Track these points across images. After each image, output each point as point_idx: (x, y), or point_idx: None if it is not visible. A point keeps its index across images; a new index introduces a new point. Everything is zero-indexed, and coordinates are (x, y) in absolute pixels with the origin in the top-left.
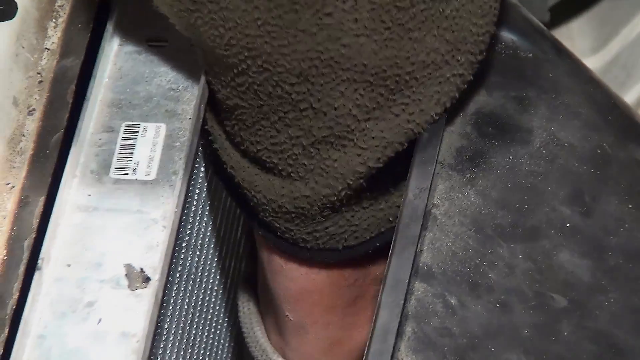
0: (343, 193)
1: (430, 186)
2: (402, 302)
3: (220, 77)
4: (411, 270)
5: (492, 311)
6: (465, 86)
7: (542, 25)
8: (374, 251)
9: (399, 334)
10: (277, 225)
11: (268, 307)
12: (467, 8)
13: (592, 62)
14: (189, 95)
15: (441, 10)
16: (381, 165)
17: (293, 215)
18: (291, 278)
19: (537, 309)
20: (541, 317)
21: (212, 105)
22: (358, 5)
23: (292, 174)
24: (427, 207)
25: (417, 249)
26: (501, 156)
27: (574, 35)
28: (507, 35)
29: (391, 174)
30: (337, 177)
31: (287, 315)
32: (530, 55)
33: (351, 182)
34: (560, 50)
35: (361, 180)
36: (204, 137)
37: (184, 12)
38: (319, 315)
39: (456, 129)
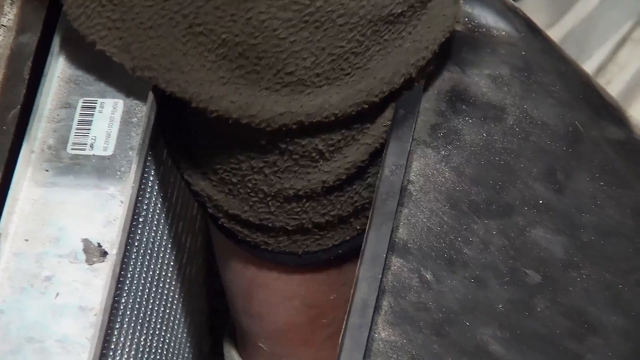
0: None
1: (406, 163)
2: (380, 276)
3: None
4: (388, 246)
5: (467, 286)
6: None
7: (514, 4)
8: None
9: (376, 308)
10: (239, 229)
11: (239, 333)
12: None
13: None
14: None
15: None
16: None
17: (257, 226)
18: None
19: (512, 284)
20: (515, 292)
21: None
22: None
23: (252, 196)
24: (403, 184)
25: (393, 224)
26: (475, 133)
27: (529, 11)
28: (481, 14)
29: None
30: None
31: (260, 346)
32: (504, 33)
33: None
34: (534, 29)
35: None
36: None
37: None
38: (294, 348)
39: (431, 106)
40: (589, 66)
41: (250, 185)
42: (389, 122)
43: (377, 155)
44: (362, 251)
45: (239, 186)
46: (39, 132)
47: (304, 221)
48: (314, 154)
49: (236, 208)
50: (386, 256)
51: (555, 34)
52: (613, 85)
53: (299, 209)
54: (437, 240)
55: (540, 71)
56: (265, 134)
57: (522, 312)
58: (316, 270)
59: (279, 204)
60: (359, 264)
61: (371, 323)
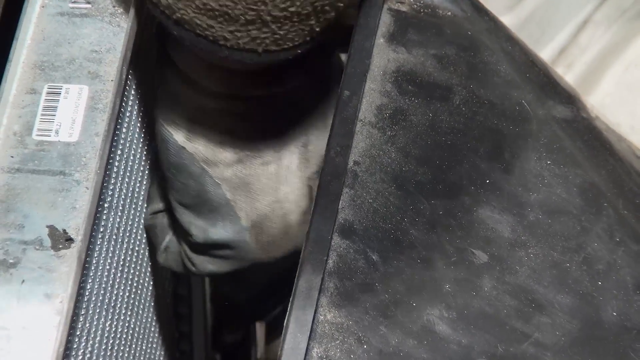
0: None
1: (352, 144)
2: (325, 258)
3: None
4: (333, 227)
5: (413, 267)
6: None
7: None
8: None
9: (321, 290)
10: (198, 23)
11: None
12: None
13: (507, 20)
14: (111, 57)
15: None
16: None
17: (217, 12)
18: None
19: (459, 264)
20: (462, 272)
21: None
22: None
23: None
24: (349, 165)
25: (338, 206)
26: (421, 114)
27: None
28: None
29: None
30: None
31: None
32: (450, 13)
33: None
34: (479, 9)
35: None
36: None
37: None
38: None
39: (376, 87)
40: (551, 48)
41: None
42: None
43: None
44: (307, 233)
45: None
46: (4, 118)
47: (262, 13)
48: None
49: None
50: (331, 238)
51: (516, 16)
52: (575, 67)
53: None
54: (383, 221)
55: (486, 51)
56: None
57: (469, 292)
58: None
59: None
60: (304, 245)
61: (316, 305)
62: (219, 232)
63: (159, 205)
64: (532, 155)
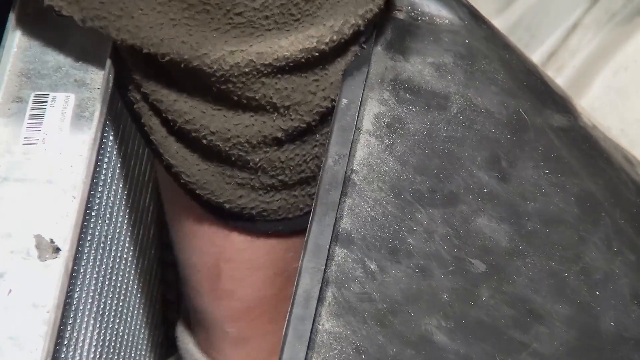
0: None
1: (350, 152)
2: (323, 267)
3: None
4: (331, 236)
5: (411, 276)
6: None
7: None
8: None
9: (320, 300)
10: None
11: (200, 322)
12: None
13: (497, 24)
14: (97, 65)
15: None
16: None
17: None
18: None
19: (456, 273)
20: (460, 282)
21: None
22: None
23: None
24: (347, 173)
25: (337, 214)
26: (419, 122)
27: None
28: (423, 2)
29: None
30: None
31: (227, 331)
32: (447, 21)
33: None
34: (477, 17)
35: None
36: (123, 98)
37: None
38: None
39: (374, 95)
40: (540, 52)
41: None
42: (339, 80)
43: (325, 117)
44: (305, 242)
45: (194, 135)
46: None
47: (251, 182)
48: (267, 107)
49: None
50: (329, 247)
51: (506, 20)
52: (565, 71)
53: (250, 167)
54: (381, 230)
55: (484, 59)
56: (218, 79)
57: (467, 302)
58: (281, 236)
59: (233, 157)
60: (302, 255)
61: (315, 314)
62: None
63: None
64: (530, 165)
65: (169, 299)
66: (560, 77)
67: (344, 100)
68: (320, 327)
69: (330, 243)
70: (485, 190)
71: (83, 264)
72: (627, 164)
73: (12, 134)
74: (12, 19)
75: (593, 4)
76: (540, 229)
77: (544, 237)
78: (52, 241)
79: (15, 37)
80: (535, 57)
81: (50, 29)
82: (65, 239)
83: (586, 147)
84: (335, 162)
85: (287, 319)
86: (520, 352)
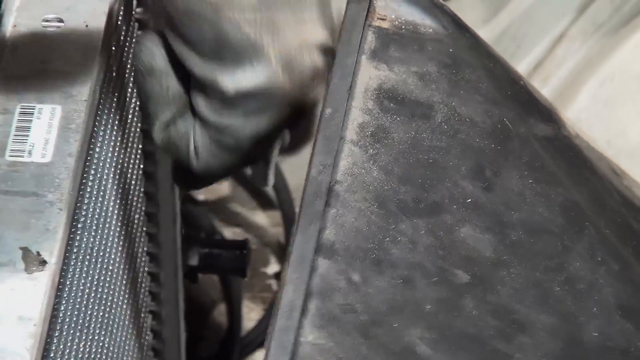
0: None
1: (334, 162)
2: (307, 278)
3: None
4: (315, 247)
5: (395, 287)
6: None
7: (441, 1)
8: None
9: (303, 311)
10: None
11: None
12: None
13: (483, 34)
14: (84, 77)
15: None
16: None
17: None
18: None
19: (440, 284)
20: (444, 292)
21: None
22: None
23: None
24: (331, 184)
25: (320, 225)
26: (403, 131)
27: (464, 7)
28: (407, 11)
29: None
30: None
31: None
32: (431, 30)
33: None
34: (461, 26)
35: None
36: None
37: None
38: None
39: (358, 105)
40: (526, 62)
41: None
42: None
43: None
44: (289, 253)
45: None
46: None
47: None
48: None
49: None
50: (313, 258)
51: (491, 30)
52: (551, 81)
53: None
54: (364, 240)
55: (468, 68)
56: None
57: (451, 312)
58: None
59: None
60: (286, 266)
61: (297, 326)
62: (250, 77)
63: (165, 115)
64: (514, 174)
65: (157, 312)
66: (546, 87)
67: (328, 110)
68: (302, 339)
69: (314, 254)
70: (469, 200)
71: (69, 276)
72: (612, 174)
73: None
74: None
75: (579, 15)
76: (524, 238)
77: (528, 247)
78: (38, 254)
79: (2, 49)
80: (522, 67)
81: (36, 41)
82: (51, 251)
83: (570, 156)
84: (319, 172)
85: (269, 330)
86: None
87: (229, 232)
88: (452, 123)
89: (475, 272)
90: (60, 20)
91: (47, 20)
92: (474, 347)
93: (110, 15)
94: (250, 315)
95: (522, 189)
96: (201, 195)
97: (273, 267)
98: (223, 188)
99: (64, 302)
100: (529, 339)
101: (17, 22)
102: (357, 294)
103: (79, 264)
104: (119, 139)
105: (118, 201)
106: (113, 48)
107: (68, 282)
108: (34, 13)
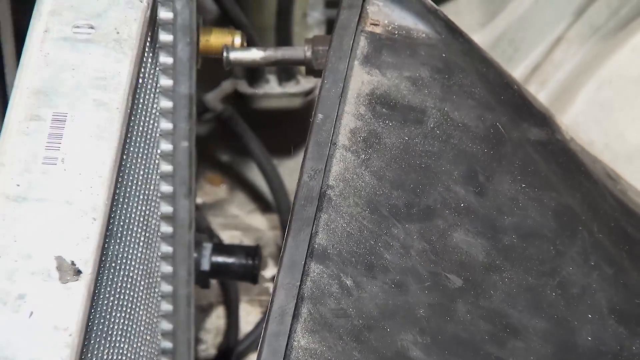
0: None
1: (325, 167)
2: (299, 283)
3: None
4: (307, 252)
5: (387, 292)
6: None
7: (435, 6)
8: None
9: (295, 316)
10: None
11: None
12: None
13: (480, 37)
14: (115, 84)
15: None
16: None
17: None
18: None
19: (433, 289)
20: (436, 297)
21: None
22: None
23: None
24: (322, 189)
25: (312, 230)
26: (395, 137)
27: (462, 11)
28: (400, 16)
29: None
30: None
31: None
32: (424, 35)
33: None
34: (454, 31)
35: None
36: None
37: None
38: None
39: (350, 110)
40: (524, 66)
41: None
42: None
43: None
44: (281, 258)
45: None
46: (9, 145)
47: None
48: None
49: None
50: (305, 263)
51: (489, 33)
52: (548, 85)
53: None
54: (357, 245)
55: (461, 73)
56: None
57: (443, 317)
58: None
59: None
60: (277, 271)
61: (290, 331)
62: None
63: None
64: (507, 179)
65: (166, 315)
66: (543, 91)
67: (320, 116)
68: (295, 343)
69: (306, 259)
70: (462, 205)
71: (97, 284)
72: (607, 178)
73: (32, 153)
74: (30, 37)
75: (577, 18)
76: (517, 243)
77: (520, 251)
78: (73, 263)
79: (33, 55)
80: (519, 70)
81: (67, 48)
82: (86, 261)
83: (564, 160)
84: (310, 178)
85: (262, 335)
86: None
87: (227, 235)
88: (444, 128)
89: (467, 277)
90: (91, 27)
91: (78, 27)
92: (466, 352)
93: (141, 22)
94: (248, 318)
95: (515, 194)
96: (199, 198)
97: (271, 271)
98: (221, 191)
99: (92, 310)
100: (522, 344)
101: (48, 27)
102: (350, 299)
103: (106, 272)
104: (143, 144)
105: (141, 207)
106: (144, 55)
107: (96, 290)
108: (65, 19)
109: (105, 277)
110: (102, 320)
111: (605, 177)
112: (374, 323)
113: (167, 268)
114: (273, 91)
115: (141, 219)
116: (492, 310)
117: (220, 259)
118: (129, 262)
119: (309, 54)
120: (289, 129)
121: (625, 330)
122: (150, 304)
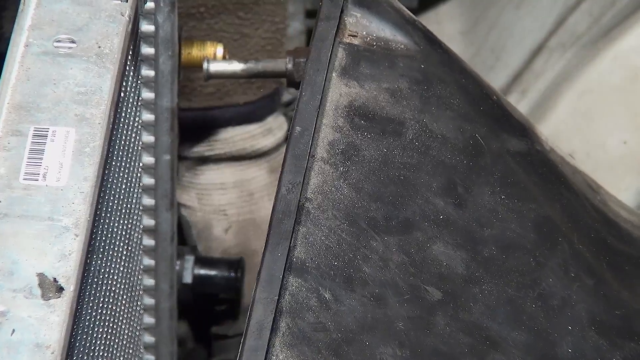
0: None
1: (303, 180)
2: (277, 297)
3: None
4: (285, 266)
5: (366, 305)
6: None
7: (413, 16)
8: None
9: (273, 330)
10: None
11: None
12: None
13: (461, 46)
14: (97, 99)
15: None
16: None
17: None
18: None
19: (412, 302)
20: (416, 310)
21: None
22: None
23: None
24: (300, 202)
25: (290, 244)
26: (374, 149)
27: (443, 20)
28: (379, 27)
29: None
30: None
31: None
32: (403, 47)
33: None
34: (433, 42)
35: None
36: None
37: None
38: None
39: (328, 122)
40: (505, 75)
41: None
42: None
43: None
44: (258, 272)
45: None
46: None
47: None
48: None
49: None
50: (283, 276)
51: (470, 42)
52: (529, 94)
53: None
54: (335, 258)
55: (440, 84)
56: None
57: (423, 330)
58: None
59: None
60: (255, 285)
61: (268, 345)
62: None
63: None
64: (486, 190)
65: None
66: (524, 99)
67: (297, 128)
68: (274, 357)
69: (284, 273)
70: (441, 217)
71: (79, 300)
72: (588, 188)
73: (12, 169)
74: (10, 51)
75: (558, 26)
76: (496, 255)
77: (500, 263)
78: (55, 280)
79: (14, 70)
80: (500, 79)
81: (48, 62)
82: (68, 278)
83: (544, 171)
84: (288, 191)
85: (239, 349)
86: None
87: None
88: (423, 139)
89: (447, 289)
90: (73, 41)
91: (59, 41)
92: None
93: (123, 36)
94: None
95: (494, 205)
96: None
97: None
98: None
99: (74, 326)
100: (502, 356)
101: (29, 42)
102: (328, 313)
103: (88, 287)
104: (125, 157)
105: (123, 221)
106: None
107: (78, 307)
108: (46, 33)
109: (87, 293)
110: (84, 336)
111: (585, 187)
112: (353, 337)
113: (149, 281)
114: None
115: (123, 233)
116: (471, 322)
117: (202, 271)
118: (111, 276)
119: (290, 66)
120: None
121: (606, 341)
122: (132, 318)
